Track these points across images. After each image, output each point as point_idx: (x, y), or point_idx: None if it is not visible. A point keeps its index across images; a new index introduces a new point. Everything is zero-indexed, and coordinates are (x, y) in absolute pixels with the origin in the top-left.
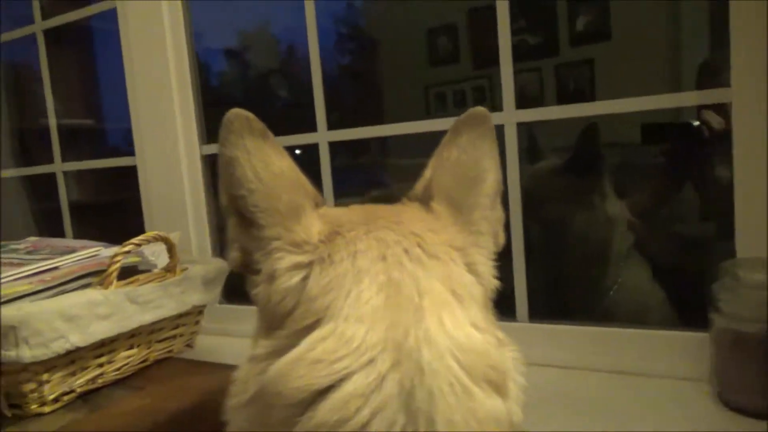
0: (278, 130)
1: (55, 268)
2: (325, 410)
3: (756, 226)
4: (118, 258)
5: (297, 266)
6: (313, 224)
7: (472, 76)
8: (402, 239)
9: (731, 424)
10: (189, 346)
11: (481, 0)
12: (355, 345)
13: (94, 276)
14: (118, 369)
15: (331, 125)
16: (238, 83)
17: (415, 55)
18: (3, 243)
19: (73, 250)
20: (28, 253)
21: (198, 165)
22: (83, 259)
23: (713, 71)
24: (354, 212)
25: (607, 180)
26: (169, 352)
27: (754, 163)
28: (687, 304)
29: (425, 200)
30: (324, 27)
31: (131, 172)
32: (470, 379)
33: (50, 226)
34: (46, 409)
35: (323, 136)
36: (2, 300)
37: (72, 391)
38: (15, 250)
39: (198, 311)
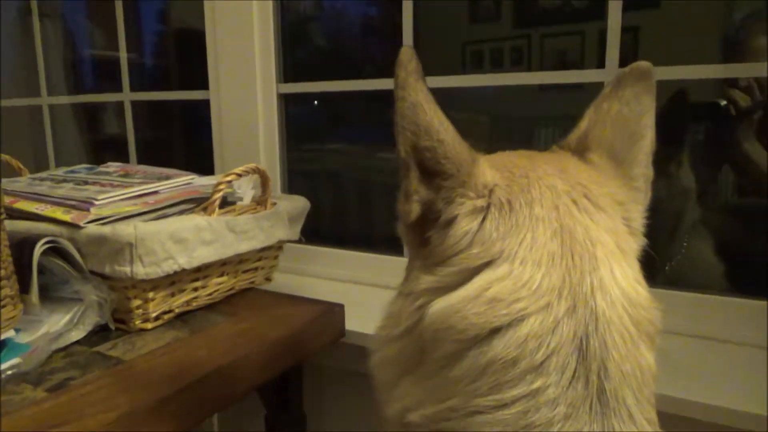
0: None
1: (156, 192)
2: (500, 347)
3: None
4: (222, 186)
5: (477, 210)
6: (488, 169)
7: (512, 35)
8: (570, 189)
9: None
10: (268, 279)
11: None
12: (533, 287)
13: (189, 203)
14: (210, 294)
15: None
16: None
17: (455, 9)
18: (88, 166)
19: (167, 177)
20: (122, 176)
21: (274, 103)
22: (180, 186)
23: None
24: (516, 158)
25: (686, 150)
26: (251, 283)
27: None
28: (747, 278)
29: (580, 151)
30: None
31: (181, 106)
32: (637, 331)
33: (98, 156)
34: (149, 325)
35: None
36: (113, 218)
37: (171, 311)
38: (107, 173)
39: (278, 246)
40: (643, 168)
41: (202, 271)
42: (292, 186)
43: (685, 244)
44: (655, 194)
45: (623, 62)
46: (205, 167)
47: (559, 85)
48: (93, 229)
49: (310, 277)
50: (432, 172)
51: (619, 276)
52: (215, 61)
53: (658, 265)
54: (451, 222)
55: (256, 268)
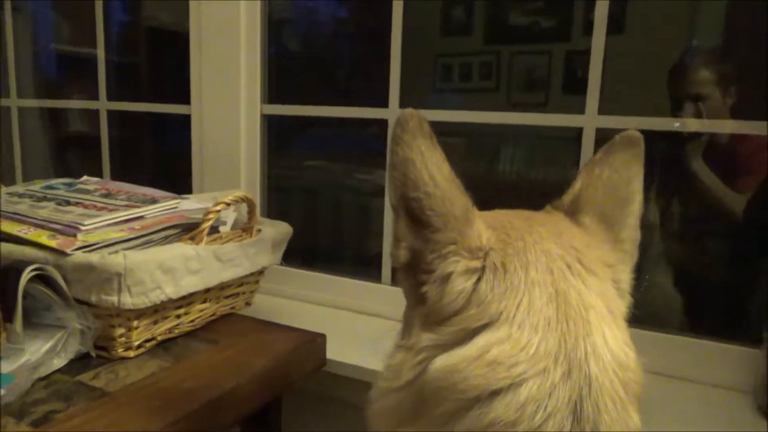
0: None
1: (142, 217)
2: (500, 410)
3: None
4: (211, 216)
5: (471, 271)
6: (482, 229)
7: (482, 51)
8: (564, 253)
9: None
10: (248, 303)
11: None
12: (531, 352)
13: (175, 228)
14: (192, 321)
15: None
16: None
17: (427, 21)
18: (66, 181)
19: (152, 200)
20: (104, 196)
21: (257, 124)
22: (166, 211)
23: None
24: (511, 217)
25: (652, 186)
26: (232, 308)
27: None
28: (706, 313)
29: (573, 212)
30: None
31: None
32: (626, 394)
33: (64, 154)
34: (131, 354)
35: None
36: (100, 245)
37: (153, 339)
38: (87, 191)
39: (261, 271)
40: (631, 231)
41: (186, 299)
42: (269, 201)
43: (647, 277)
44: None
45: (584, 84)
46: (179, 177)
47: (527, 103)
48: (80, 256)
49: (285, 299)
50: (421, 223)
51: (610, 340)
52: (199, 77)
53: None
54: (446, 279)
55: (237, 294)
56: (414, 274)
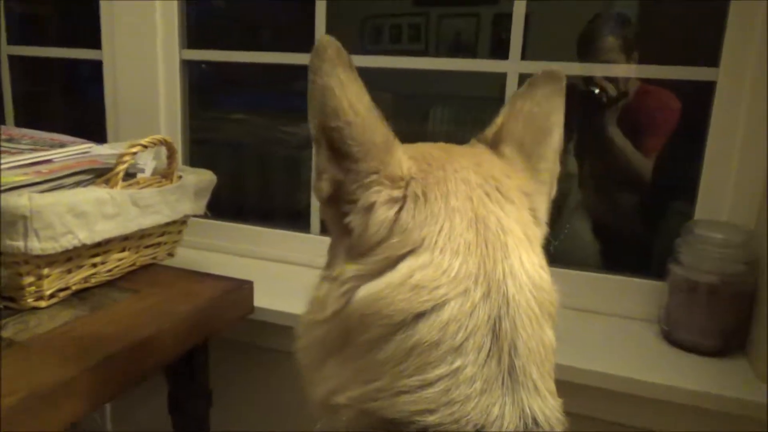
0: None
1: (50, 160)
2: (424, 331)
3: (715, 194)
4: (126, 158)
5: (393, 200)
6: (403, 159)
7: (410, 12)
8: (483, 182)
9: (676, 358)
10: (170, 254)
11: None
12: (452, 274)
13: (87, 173)
14: (110, 270)
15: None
16: None
17: None
18: None
19: (61, 144)
20: (7, 141)
21: (177, 70)
22: (77, 155)
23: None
24: (433, 149)
25: (572, 138)
26: (154, 258)
27: (728, 140)
28: (619, 255)
29: (495, 144)
30: None
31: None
32: (541, 312)
33: None
34: (42, 303)
35: None
36: (3, 188)
37: (67, 288)
38: None
39: (183, 221)
40: (549, 163)
41: (101, 246)
42: (192, 155)
43: (567, 225)
44: None
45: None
46: (92, 129)
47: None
48: None
49: (213, 252)
50: (342, 154)
51: (526, 263)
52: (110, 19)
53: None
54: (369, 209)
55: (158, 243)
56: (338, 206)
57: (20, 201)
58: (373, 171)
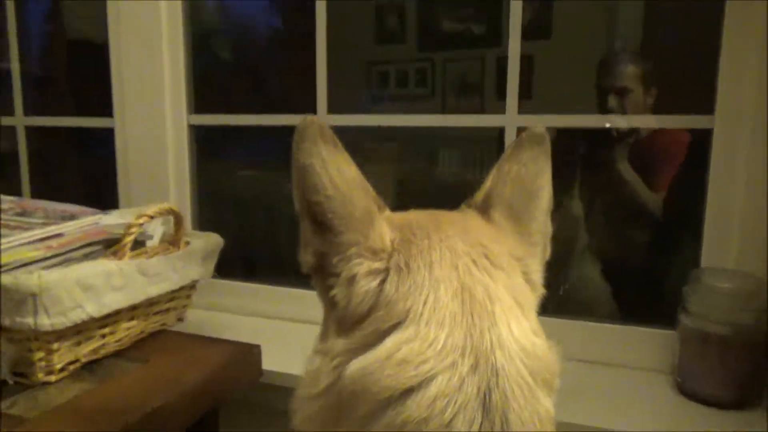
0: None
1: (60, 234)
2: (413, 408)
3: (721, 239)
4: (134, 229)
5: (375, 272)
6: (385, 230)
7: (416, 58)
8: (470, 249)
9: (691, 411)
10: (180, 319)
11: None
12: (438, 347)
13: (97, 245)
14: (119, 340)
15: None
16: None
17: (361, 29)
18: None
19: (72, 216)
20: (19, 214)
21: (184, 135)
22: (86, 227)
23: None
24: (420, 218)
25: (576, 181)
26: (163, 324)
27: (728, 186)
28: (629, 300)
29: (485, 209)
30: None
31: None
32: (534, 381)
33: None
34: (53, 378)
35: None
36: (14, 265)
37: (77, 361)
38: (1, 211)
39: (192, 285)
40: (540, 224)
41: (110, 317)
42: (200, 212)
43: (576, 269)
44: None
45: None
46: (105, 192)
47: (461, 108)
48: None
49: (222, 312)
50: (324, 227)
51: (515, 331)
52: (121, 89)
53: (553, 290)
54: (351, 281)
55: (167, 309)
56: (323, 279)
57: (30, 279)
58: (354, 243)
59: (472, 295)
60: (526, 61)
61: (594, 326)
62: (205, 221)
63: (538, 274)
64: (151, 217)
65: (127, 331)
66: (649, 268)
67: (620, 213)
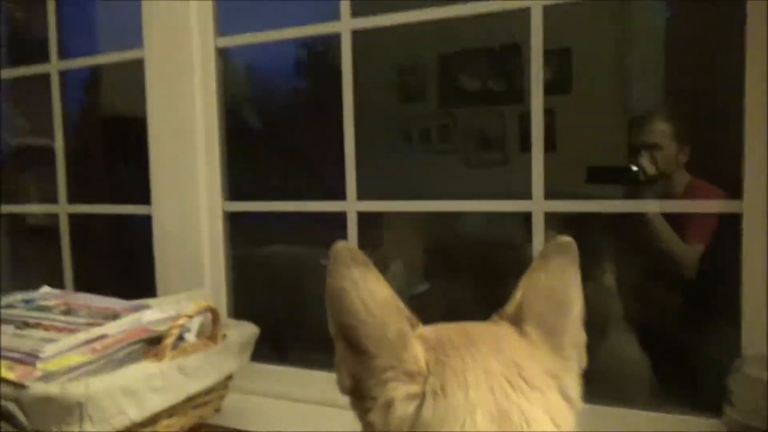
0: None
1: (104, 336)
2: None
3: (760, 325)
4: (174, 331)
5: (411, 396)
6: (419, 352)
7: (438, 114)
8: (505, 370)
9: None
10: (217, 410)
11: (451, 46)
12: None
13: (139, 343)
14: None
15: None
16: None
17: (384, 90)
18: (26, 297)
19: (114, 314)
20: (64, 313)
21: (220, 222)
22: (129, 326)
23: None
24: (451, 334)
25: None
26: (200, 418)
27: (762, 271)
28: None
29: (517, 322)
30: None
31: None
32: None
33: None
34: None
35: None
36: (61, 372)
37: None
38: (46, 309)
39: (229, 376)
40: (574, 337)
41: (150, 418)
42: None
43: (611, 344)
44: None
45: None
46: (143, 276)
47: (484, 162)
48: (40, 388)
49: (259, 397)
50: (359, 350)
51: None
52: (157, 174)
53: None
54: (388, 406)
55: (205, 403)
56: (361, 402)
57: (78, 389)
58: (389, 367)
59: (509, 419)
60: (548, 114)
61: (634, 413)
62: (240, 302)
63: (575, 390)
64: (190, 317)
65: (167, 428)
66: (688, 331)
67: (655, 277)
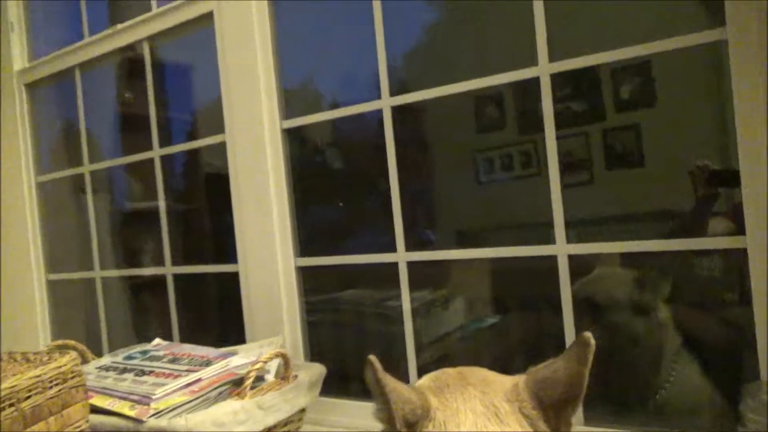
0: None
1: (200, 380)
2: None
3: None
4: (252, 374)
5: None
6: (433, 402)
7: (518, 141)
8: (485, 410)
9: None
10: None
11: (525, 72)
12: None
13: (226, 384)
14: None
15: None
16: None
17: (463, 121)
18: (142, 349)
19: (208, 361)
20: (171, 362)
21: (293, 274)
22: (219, 371)
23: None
24: (450, 380)
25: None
26: None
27: None
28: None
29: (534, 391)
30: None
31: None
32: None
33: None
34: None
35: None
36: (168, 409)
37: None
38: (157, 358)
39: (301, 410)
40: (568, 417)
41: None
42: (311, 339)
43: (673, 372)
44: (634, 331)
45: (628, 156)
46: (236, 324)
47: (573, 182)
48: (153, 422)
49: (329, 428)
50: (412, 424)
51: None
52: (242, 237)
53: (650, 396)
54: None
55: None
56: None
57: (179, 422)
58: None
59: None
60: (633, 130)
61: None
62: (313, 343)
63: None
64: (265, 362)
65: None
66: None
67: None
